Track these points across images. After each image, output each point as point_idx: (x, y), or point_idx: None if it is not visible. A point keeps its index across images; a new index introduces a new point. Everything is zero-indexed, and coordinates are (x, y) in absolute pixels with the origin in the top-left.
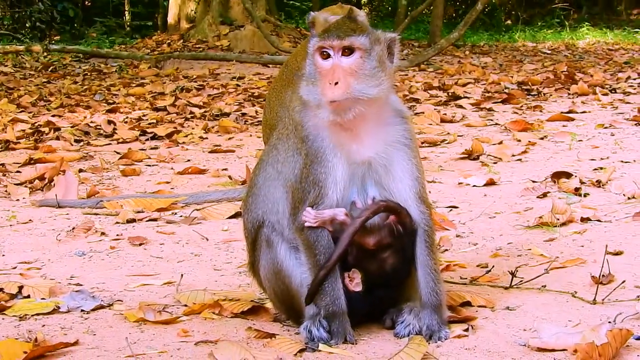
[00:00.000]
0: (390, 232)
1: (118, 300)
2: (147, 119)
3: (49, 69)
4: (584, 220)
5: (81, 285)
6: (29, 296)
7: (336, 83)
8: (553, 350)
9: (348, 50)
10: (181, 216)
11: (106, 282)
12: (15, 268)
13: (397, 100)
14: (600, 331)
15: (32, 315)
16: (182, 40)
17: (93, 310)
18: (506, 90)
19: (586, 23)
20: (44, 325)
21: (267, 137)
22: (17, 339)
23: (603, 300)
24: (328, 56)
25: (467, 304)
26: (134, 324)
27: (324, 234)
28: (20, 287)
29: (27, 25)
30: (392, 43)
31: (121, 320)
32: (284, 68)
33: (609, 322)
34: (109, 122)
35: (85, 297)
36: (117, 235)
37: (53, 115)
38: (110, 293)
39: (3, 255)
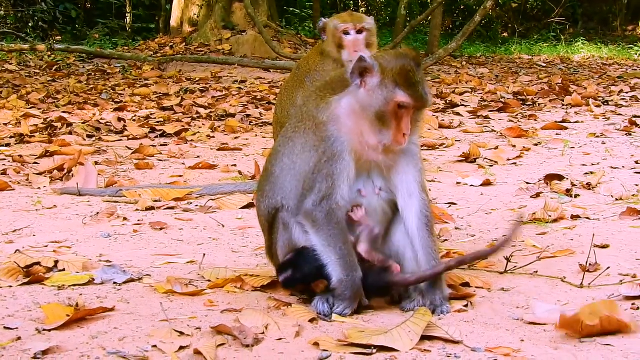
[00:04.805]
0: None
1: (147, 275)
2: (155, 118)
3: (54, 68)
4: (574, 217)
5: (110, 262)
6: (64, 270)
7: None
8: (544, 324)
9: None
10: (197, 206)
11: (133, 260)
12: (47, 247)
13: None
14: None
15: (69, 286)
16: (184, 44)
17: (125, 282)
18: (502, 100)
19: (582, 38)
20: (81, 294)
21: (277, 134)
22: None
23: (590, 284)
24: (404, 107)
25: (466, 284)
26: (163, 295)
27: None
28: (56, 262)
29: (29, 24)
30: None
31: (151, 291)
32: (295, 70)
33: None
34: (119, 119)
35: (117, 271)
36: (139, 220)
37: (63, 112)
38: (138, 269)
39: (34, 235)
